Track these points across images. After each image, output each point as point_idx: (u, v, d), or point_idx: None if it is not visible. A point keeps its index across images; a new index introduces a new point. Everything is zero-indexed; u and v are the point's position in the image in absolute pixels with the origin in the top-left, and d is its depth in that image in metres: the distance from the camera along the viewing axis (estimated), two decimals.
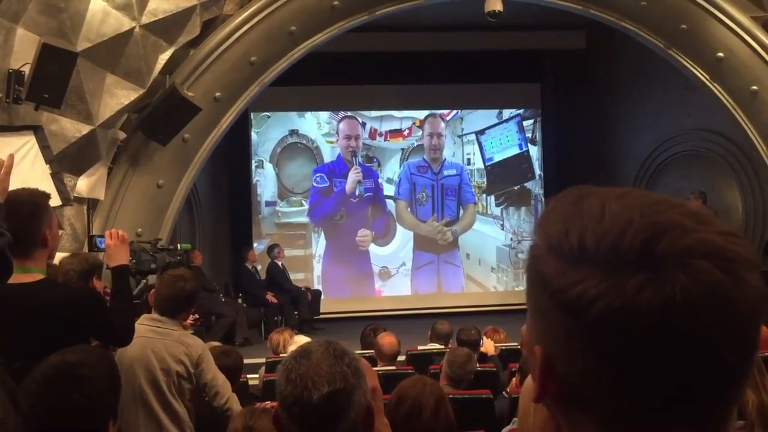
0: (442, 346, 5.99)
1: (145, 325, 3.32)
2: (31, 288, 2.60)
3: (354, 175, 12.05)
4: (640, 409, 0.62)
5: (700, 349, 0.61)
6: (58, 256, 4.41)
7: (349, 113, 12.19)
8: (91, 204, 7.05)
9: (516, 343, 6.39)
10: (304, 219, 12.06)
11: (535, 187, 12.62)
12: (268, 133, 12.06)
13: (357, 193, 12.10)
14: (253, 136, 11.97)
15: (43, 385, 1.73)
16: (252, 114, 11.57)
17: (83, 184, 6.80)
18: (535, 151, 12.64)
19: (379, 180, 12.23)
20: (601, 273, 0.62)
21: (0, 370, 0.68)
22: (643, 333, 0.61)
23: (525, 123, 12.62)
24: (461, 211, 12.43)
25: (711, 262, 0.61)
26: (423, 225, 12.30)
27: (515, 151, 12.58)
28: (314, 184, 12.01)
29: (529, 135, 12.63)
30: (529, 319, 0.70)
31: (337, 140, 12.15)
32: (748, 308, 0.62)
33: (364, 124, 12.28)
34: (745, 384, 0.65)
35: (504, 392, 4.72)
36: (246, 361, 5.02)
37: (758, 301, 0.63)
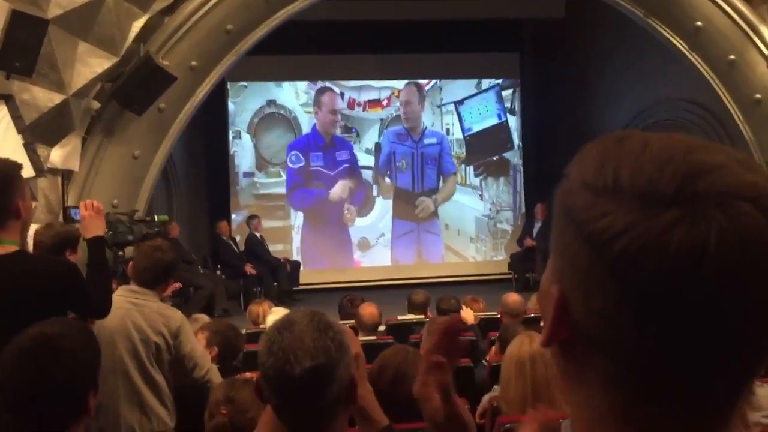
0: (422, 316, 6.02)
1: (123, 297, 3.29)
2: (4, 260, 2.55)
3: (341, 187, 11.93)
4: (655, 360, 0.58)
5: (730, 299, 0.56)
6: (35, 228, 4.35)
7: (328, 84, 12.07)
8: (66, 175, 6.94)
9: (495, 313, 6.44)
10: (283, 190, 11.99)
11: (514, 157, 12.64)
12: (245, 103, 11.93)
13: (334, 160, 12.03)
14: (230, 106, 11.83)
15: (22, 357, 1.71)
16: (229, 84, 11.42)
17: (57, 155, 6.68)
18: (513, 122, 12.63)
19: (355, 151, 12.15)
20: (632, 206, 0.58)
21: None
22: (669, 274, 0.56)
23: (504, 93, 12.60)
24: (441, 181, 12.43)
25: (754, 206, 0.57)
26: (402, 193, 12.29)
27: (494, 121, 12.57)
28: (289, 164, 11.90)
29: (507, 105, 12.62)
30: (551, 257, 0.65)
31: (317, 112, 12.03)
32: None
33: (342, 94, 12.18)
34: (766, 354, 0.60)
35: (483, 361, 4.75)
36: None
37: None
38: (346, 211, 12.04)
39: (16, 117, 5.95)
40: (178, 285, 6.66)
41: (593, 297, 0.60)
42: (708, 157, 0.60)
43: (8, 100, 5.97)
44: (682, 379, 0.59)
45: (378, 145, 12.25)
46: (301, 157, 11.93)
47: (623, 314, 0.58)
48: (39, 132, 6.39)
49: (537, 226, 10.97)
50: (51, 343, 1.71)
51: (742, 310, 0.57)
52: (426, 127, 12.39)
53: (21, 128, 5.99)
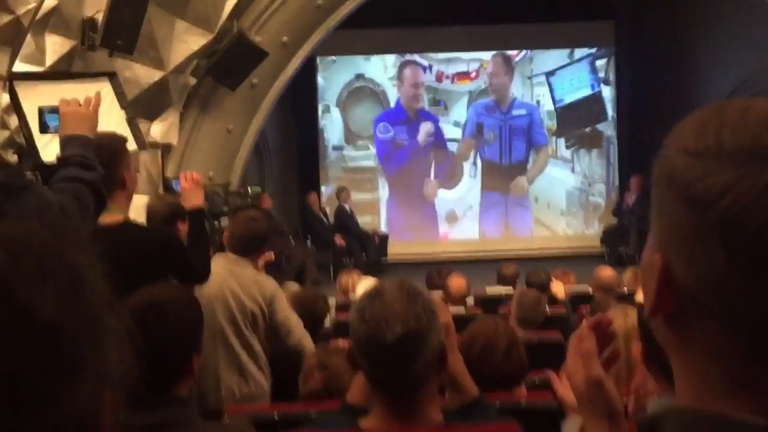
0: (510, 289, 5.98)
1: (220, 265, 3.40)
2: (112, 228, 2.69)
3: (425, 127, 11.91)
4: (763, 322, 0.58)
5: None
6: (136, 199, 4.55)
7: (414, 57, 12.01)
8: (165, 149, 7.22)
9: (587, 287, 6.31)
10: (372, 163, 12.07)
11: (608, 129, 12.26)
12: (334, 78, 12.03)
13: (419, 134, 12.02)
14: (320, 80, 11.96)
15: (130, 321, 1.79)
16: (318, 58, 11.53)
17: (157, 130, 6.96)
18: (608, 92, 12.23)
19: (440, 124, 12.07)
20: (736, 164, 0.57)
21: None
22: None
23: (597, 63, 12.20)
24: (531, 153, 12.21)
25: None
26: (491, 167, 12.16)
27: (587, 92, 12.20)
28: (378, 135, 11.94)
29: (601, 75, 12.22)
30: (652, 227, 0.65)
31: (399, 86, 12.00)
32: None
33: (430, 67, 12.10)
34: None
35: (610, 343, 4.67)
36: None
37: None
38: (429, 187, 12.02)
39: (119, 93, 6.20)
40: (271, 255, 6.87)
41: (699, 261, 0.59)
42: None
43: (112, 77, 6.20)
44: None
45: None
46: (390, 127, 11.98)
47: (732, 274, 0.58)
48: (140, 107, 6.67)
49: (632, 199, 10.65)
50: (158, 307, 1.79)
51: None
52: (515, 98, 12.17)
53: (123, 104, 6.24)
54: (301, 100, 11.64)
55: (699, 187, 0.59)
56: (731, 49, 10.31)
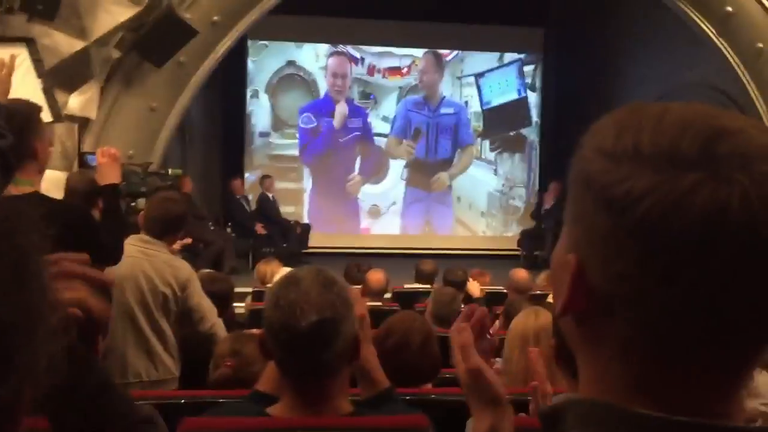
0: (428, 285, 6.05)
1: (134, 246, 3.31)
2: (20, 201, 2.57)
3: (340, 108, 11.88)
4: (676, 322, 0.59)
5: (753, 259, 0.57)
6: (49, 174, 4.37)
7: (341, 48, 11.97)
8: (82, 123, 6.95)
9: (501, 287, 6.45)
10: (297, 152, 11.98)
11: (531, 133, 12.55)
12: (264, 63, 11.87)
13: (345, 126, 12.00)
14: (250, 64, 11.78)
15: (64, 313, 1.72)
16: (249, 42, 11.35)
17: (75, 102, 6.69)
18: (533, 98, 12.53)
19: (369, 119, 12.08)
20: (654, 169, 0.58)
21: None
22: (693, 235, 0.56)
23: (525, 68, 12.47)
24: (456, 152, 12.38)
25: None
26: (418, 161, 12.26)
27: (513, 96, 12.46)
28: (301, 125, 11.86)
29: (528, 81, 12.50)
30: (566, 227, 0.65)
31: (326, 76, 11.95)
32: None
33: (362, 60, 12.09)
34: None
35: (487, 334, 4.77)
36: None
37: None
38: (352, 181, 12.02)
39: (36, 60, 5.95)
40: (188, 240, 6.72)
41: (614, 262, 0.60)
42: (728, 122, 0.60)
43: (29, 43, 5.96)
44: (702, 342, 0.59)
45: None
46: (313, 118, 11.89)
47: (645, 277, 0.59)
48: (58, 78, 6.39)
49: (550, 204, 10.94)
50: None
51: (764, 271, 0.57)
52: (444, 97, 12.31)
53: (40, 72, 5.99)
54: (229, 83, 11.43)
55: (617, 190, 0.59)
56: (655, 63, 10.72)
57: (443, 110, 12.28)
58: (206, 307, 3.43)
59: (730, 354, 0.60)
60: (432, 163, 12.29)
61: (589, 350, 0.64)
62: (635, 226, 0.58)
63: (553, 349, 1.95)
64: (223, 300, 3.83)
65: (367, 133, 12.10)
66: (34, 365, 0.60)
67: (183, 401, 2.46)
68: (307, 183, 12.02)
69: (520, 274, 5.73)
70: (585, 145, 0.64)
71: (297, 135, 11.94)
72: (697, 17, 7.91)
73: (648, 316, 0.60)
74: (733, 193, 0.56)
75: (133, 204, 5.09)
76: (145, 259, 3.31)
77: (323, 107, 11.95)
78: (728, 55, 7.90)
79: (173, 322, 3.40)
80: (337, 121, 11.90)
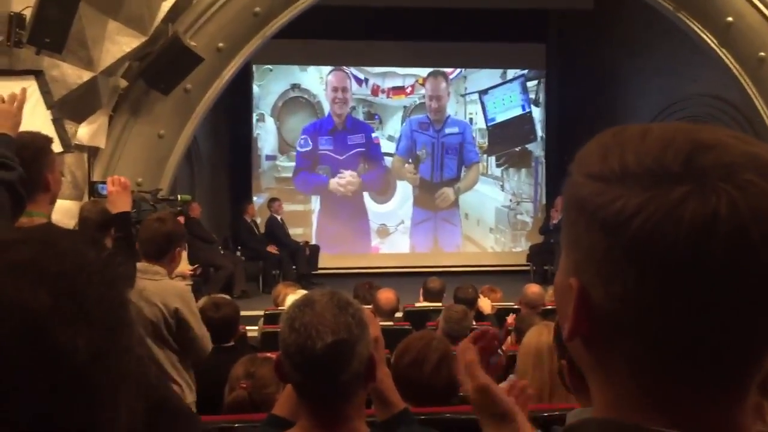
0: (439, 304, 6.03)
1: None
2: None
3: (342, 181, 11.91)
4: (679, 336, 0.60)
5: (745, 266, 0.58)
6: (60, 204, 4.40)
7: (351, 69, 12.06)
8: (92, 152, 7.02)
9: (512, 303, 6.43)
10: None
11: (537, 148, 12.57)
12: (269, 87, 11.96)
13: (345, 144, 11.99)
14: (255, 89, 11.87)
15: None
16: (254, 66, 11.45)
17: (84, 132, 6.76)
18: (537, 113, 12.56)
19: (373, 134, 12.12)
20: (642, 187, 0.60)
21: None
22: (685, 247, 0.58)
23: (528, 84, 12.52)
24: (462, 171, 12.40)
25: (759, 175, 0.59)
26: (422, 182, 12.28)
27: (518, 111, 12.50)
28: (298, 148, 11.91)
29: (532, 96, 12.54)
30: (564, 253, 0.67)
31: (326, 94, 12.02)
32: None
33: (366, 80, 12.16)
34: None
35: (499, 350, 4.76)
36: (244, 313, 5.06)
37: None
38: (345, 180, 11.94)
39: (45, 92, 6.02)
40: (197, 269, 6.74)
41: (614, 281, 0.61)
42: (708, 135, 0.62)
43: (38, 75, 6.04)
44: (707, 355, 0.60)
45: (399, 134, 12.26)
46: (309, 141, 11.93)
47: (646, 293, 0.60)
48: (67, 108, 6.47)
49: (558, 218, 10.92)
50: None
51: (757, 277, 0.59)
52: (449, 116, 12.35)
53: (49, 104, 6.06)
54: (235, 107, 11.52)
55: (609, 211, 0.61)
56: (655, 78, 10.75)
57: (448, 130, 12.32)
58: (201, 334, 3.38)
59: (736, 364, 0.61)
60: (438, 183, 12.32)
61: (600, 371, 0.65)
62: (629, 243, 0.60)
63: (564, 369, 1.94)
64: (228, 326, 3.79)
65: (371, 150, 12.12)
66: (119, 420, 0.62)
67: None
68: (315, 204, 12.05)
69: (533, 288, 5.72)
70: (574, 171, 0.66)
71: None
72: (698, 28, 7.94)
73: (652, 333, 0.61)
74: (720, 202, 0.58)
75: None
76: (133, 292, 3.20)
77: (324, 126, 11.99)
78: (730, 65, 7.91)
79: (175, 349, 3.35)
80: (332, 185, 11.89)
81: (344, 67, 12.05)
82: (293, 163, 12.01)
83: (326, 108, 12.07)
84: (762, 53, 7.73)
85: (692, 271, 0.58)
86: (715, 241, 0.58)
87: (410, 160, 12.27)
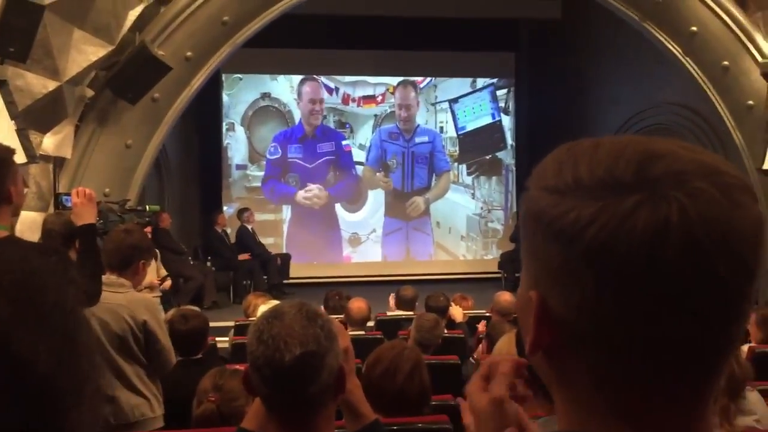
0: (411, 312, 6.03)
1: None
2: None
3: (308, 194, 11.89)
4: (638, 344, 0.60)
5: (699, 274, 0.59)
6: (24, 215, 4.33)
7: (321, 78, 12.05)
8: (57, 162, 6.91)
9: (484, 311, 6.46)
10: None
11: (507, 156, 12.67)
12: (239, 96, 11.90)
13: (314, 151, 11.98)
14: (224, 98, 11.80)
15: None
16: (223, 75, 11.39)
17: (49, 142, 6.65)
18: (507, 121, 12.66)
19: (344, 142, 12.10)
20: (595, 197, 0.61)
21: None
22: (639, 255, 0.59)
23: (498, 92, 12.62)
24: (433, 179, 12.44)
25: (708, 183, 0.60)
26: (392, 191, 12.29)
27: (488, 120, 12.58)
28: (267, 156, 11.86)
29: (502, 104, 12.64)
30: (524, 266, 0.67)
31: (298, 103, 11.99)
32: (747, 232, 0.60)
33: (337, 89, 12.16)
34: (740, 327, 0.62)
35: (471, 358, 4.77)
36: (214, 324, 5.01)
37: (756, 226, 0.61)
38: (311, 194, 11.90)
39: (9, 102, 5.93)
40: (167, 283, 6.65)
41: (572, 292, 0.62)
42: (657, 146, 0.63)
43: (1, 85, 5.94)
44: (665, 360, 0.61)
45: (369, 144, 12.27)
46: (279, 148, 11.89)
47: (603, 302, 0.60)
48: (32, 118, 6.37)
49: None
50: None
51: (711, 283, 0.59)
52: (419, 125, 12.40)
53: (14, 114, 5.96)
54: (204, 117, 11.44)
55: (564, 221, 0.61)
56: (623, 86, 10.90)
57: (418, 139, 12.37)
58: (167, 347, 3.35)
59: (697, 371, 0.62)
60: (409, 193, 12.35)
61: (563, 383, 0.65)
62: (584, 253, 0.60)
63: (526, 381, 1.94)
64: (197, 338, 3.74)
65: (342, 158, 12.10)
66: (86, 423, 0.63)
67: None
68: (286, 213, 12.00)
69: (504, 296, 5.74)
70: (530, 185, 0.67)
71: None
72: (663, 37, 8.07)
73: (611, 342, 0.61)
74: (672, 209, 0.59)
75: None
76: (99, 305, 3.09)
77: (294, 135, 11.96)
78: (695, 74, 8.05)
79: (142, 362, 3.30)
80: (299, 198, 11.88)
81: (314, 75, 12.03)
82: (263, 173, 11.95)
83: (297, 117, 12.04)
84: (725, 62, 7.88)
85: (647, 278, 0.59)
86: (668, 248, 0.59)
87: (380, 170, 12.27)
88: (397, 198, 12.29)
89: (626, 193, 0.60)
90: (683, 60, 8.05)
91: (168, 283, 6.70)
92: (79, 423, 0.61)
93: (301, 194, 11.91)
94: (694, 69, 8.03)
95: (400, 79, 12.28)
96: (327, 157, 12.02)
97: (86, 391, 0.62)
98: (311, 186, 11.92)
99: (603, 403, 0.63)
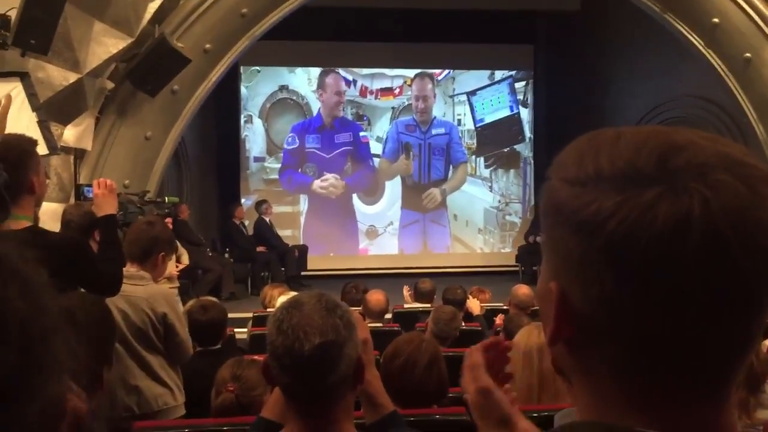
0: (428, 305, 6.04)
1: None
2: (18, 235, 2.57)
3: (324, 182, 11.90)
4: (658, 336, 0.60)
5: (720, 268, 0.58)
6: (45, 206, 4.37)
7: (339, 70, 12.06)
8: (78, 154, 6.97)
9: (501, 304, 6.45)
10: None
11: (525, 149, 12.61)
12: (257, 88, 11.93)
13: (332, 142, 11.99)
14: (243, 90, 11.84)
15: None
16: (242, 68, 11.42)
17: (70, 134, 6.71)
18: (525, 114, 12.60)
19: (362, 134, 12.11)
20: (616, 189, 0.60)
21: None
22: (660, 247, 0.58)
23: (517, 85, 12.55)
24: (450, 171, 12.42)
25: (731, 175, 0.59)
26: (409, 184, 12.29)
27: (506, 112, 12.53)
28: (285, 146, 11.90)
29: (520, 97, 12.58)
30: (544, 258, 0.67)
31: (321, 94, 12.00)
32: None
33: (355, 82, 12.16)
34: (761, 323, 0.62)
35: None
36: (233, 315, 5.03)
37: None
38: (327, 183, 11.94)
39: (31, 94, 5.98)
40: (184, 264, 6.67)
41: (592, 284, 0.61)
42: (679, 137, 0.62)
43: (23, 77, 5.99)
44: (685, 354, 0.61)
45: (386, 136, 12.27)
46: (297, 139, 11.92)
47: (623, 295, 0.60)
48: (53, 110, 6.42)
49: None
50: (67, 318, 1.72)
51: (732, 275, 0.59)
52: (435, 117, 12.37)
53: (35, 106, 6.01)
54: (223, 109, 11.48)
55: (585, 213, 0.61)
56: (642, 78, 10.80)
57: (434, 131, 12.34)
58: (185, 339, 3.37)
59: (716, 364, 0.62)
60: (425, 184, 12.34)
61: (583, 374, 0.66)
62: (605, 245, 0.60)
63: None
64: (215, 329, 3.76)
65: (359, 149, 12.11)
66: (67, 361, 0.63)
67: (187, 431, 2.45)
68: (304, 205, 12.03)
69: (523, 289, 5.72)
70: (551, 176, 0.67)
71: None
72: (684, 29, 7.98)
73: (631, 334, 0.61)
74: (693, 202, 0.58)
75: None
76: (120, 297, 3.12)
77: (312, 125, 11.98)
78: (717, 66, 7.96)
79: (162, 352, 3.33)
80: (315, 186, 11.91)
81: (338, 70, 12.04)
82: (281, 163, 11.99)
83: (314, 109, 12.06)
84: (748, 54, 7.79)
85: (667, 270, 0.59)
86: (689, 240, 0.58)
87: (402, 153, 12.26)
88: (413, 190, 12.28)
89: (647, 185, 0.59)
90: (705, 52, 7.96)
91: (182, 269, 6.69)
92: (62, 359, 0.60)
93: (317, 183, 11.93)
94: (715, 61, 7.94)
95: (418, 71, 12.24)
96: (344, 148, 12.03)
97: (58, 328, 0.61)
98: (328, 175, 11.94)
99: (621, 394, 0.63)
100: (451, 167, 12.41)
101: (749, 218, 0.59)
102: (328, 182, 11.95)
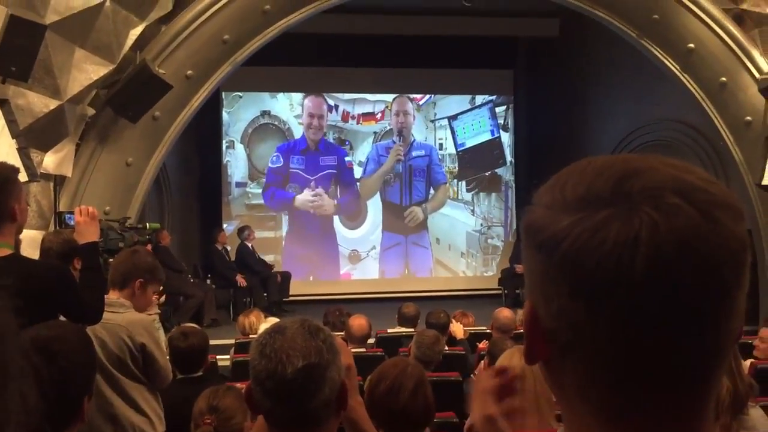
0: (411, 329, 6.02)
1: None
2: None
3: (309, 197, 11.94)
4: (614, 353, 0.61)
5: (666, 289, 0.60)
6: (26, 233, 4.34)
7: (324, 95, 12.11)
8: (58, 181, 6.93)
9: (485, 327, 6.45)
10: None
11: (506, 173, 12.70)
12: (239, 114, 11.95)
13: (317, 164, 12.03)
14: (225, 116, 11.85)
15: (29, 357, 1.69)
16: (223, 93, 11.44)
17: (50, 161, 6.68)
18: (506, 138, 12.70)
19: (347, 159, 12.16)
20: (574, 212, 0.63)
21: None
22: (609, 267, 0.60)
23: (497, 109, 12.68)
24: (431, 192, 12.47)
25: (683, 199, 0.61)
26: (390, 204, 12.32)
27: (487, 137, 12.63)
28: (269, 165, 11.92)
29: (501, 121, 12.69)
30: (525, 278, 0.70)
31: (303, 117, 12.05)
32: (722, 250, 0.61)
33: (336, 107, 12.22)
34: (717, 341, 0.62)
35: (472, 375, 4.77)
36: (215, 342, 5.00)
37: (733, 244, 0.61)
38: (313, 198, 11.96)
39: (11, 121, 5.96)
40: (160, 294, 6.62)
41: (552, 301, 0.64)
42: (641, 163, 0.65)
43: (3, 104, 5.98)
44: (640, 368, 0.62)
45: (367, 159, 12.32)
46: (281, 158, 11.94)
47: (576, 311, 0.62)
48: (33, 137, 6.39)
49: None
50: (47, 346, 1.70)
51: (676, 296, 0.60)
52: (414, 140, 12.45)
53: (15, 133, 5.99)
54: (205, 135, 11.47)
55: (546, 233, 0.64)
56: (621, 102, 10.96)
57: (414, 153, 12.41)
58: (164, 366, 3.33)
59: (678, 380, 0.63)
60: (407, 206, 12.37)
61: (558, 390, 0.67)
62: (560, 263, 0.62)
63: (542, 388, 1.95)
64: (197, 355, 3.72)
65: (344, 173, 12.13)
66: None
67: None
68: (286, 231, 12.00)
69: (504, 313, 5.74)
70: (533, 201, 0.69)
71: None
72: (660, 54, 8.12)
73: (589, 348, 0.63)
74: (642, 224, 0.60)
75: (111, 260, 5.04)
76: (98, 325, 3.03)
77: (297, 146, 12.00)
78: (693, 90, 8.09)
79: (142, 380, 3.28)
80: (299, 201, 11.92)
81: (320, 96, 12.10)
82: (264, 181, 11.97)
83: (296, 134, 12.09)
84: (723, 78, 7.93)
85: (616, 289, 0.60)
86: (636, 261, 0.60)
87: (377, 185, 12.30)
88: (394, 212, 12.31)
89: (602, 207, 0.62)
90: (681, 76, 8.10)
91: (162, 298, 6.66)
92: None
93: (306, 193, 11.88)
94: (692, 85, 8.08)
95: (397, 95, 12.33)
96: (329, 171, 12.06)
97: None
98: (318, 189, 11.94)
99: (589, 411, 0.64)
100: (431, 188, 12.47)
101: (699, 242, 0.60)
102: (317, 194, 11.94)
